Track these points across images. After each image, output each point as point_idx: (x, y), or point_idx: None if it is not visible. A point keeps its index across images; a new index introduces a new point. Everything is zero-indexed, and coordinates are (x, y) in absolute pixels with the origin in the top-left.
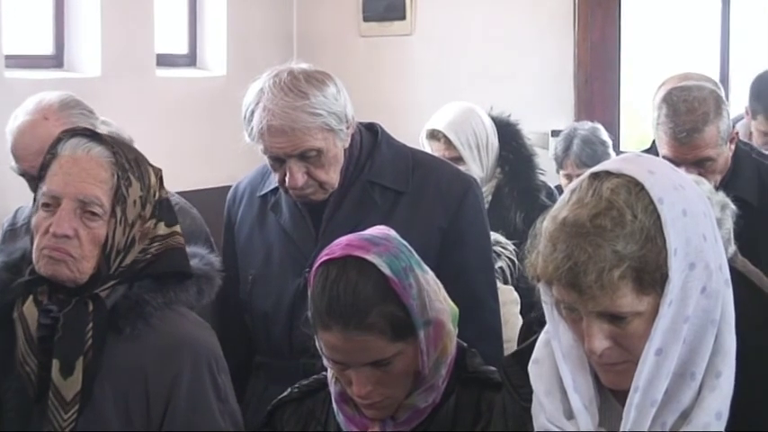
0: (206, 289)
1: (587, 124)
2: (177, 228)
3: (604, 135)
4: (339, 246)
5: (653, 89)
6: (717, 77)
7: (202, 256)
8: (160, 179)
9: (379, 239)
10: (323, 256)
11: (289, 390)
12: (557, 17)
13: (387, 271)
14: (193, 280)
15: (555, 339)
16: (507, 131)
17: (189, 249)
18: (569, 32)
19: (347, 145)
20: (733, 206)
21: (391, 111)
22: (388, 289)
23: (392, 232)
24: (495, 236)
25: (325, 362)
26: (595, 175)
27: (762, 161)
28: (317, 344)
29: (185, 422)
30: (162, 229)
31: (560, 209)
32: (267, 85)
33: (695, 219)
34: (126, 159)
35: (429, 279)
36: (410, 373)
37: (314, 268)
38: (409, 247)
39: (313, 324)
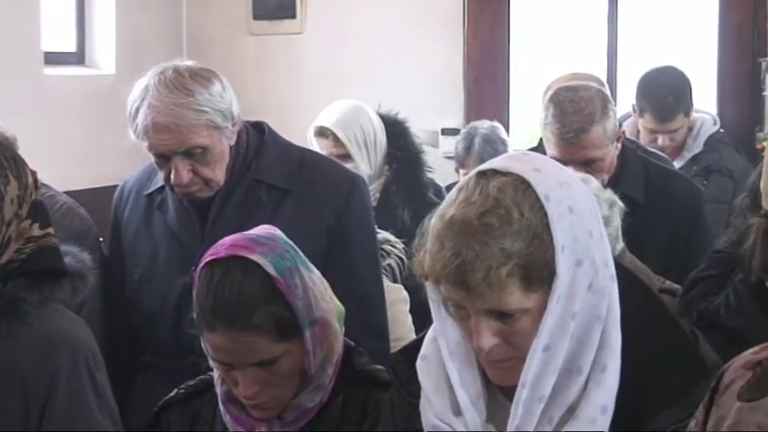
0: (80, 287)
1: (486, 123)
2: (51, 230)
3: (503, 134)
4: (224, 246)
5: (542, 88)
6: (605, 76)
7: (74, 254)
8: (35, 180)
9: (264, 239)
10: (207, 257)
11: (175, 390)
12: (447, 16)
13: (272, 271)
14: (68, 278)
15: (442, 336)
16: (395, 129)
17: (62, 248)
18: (459, 31)
19: (233, 143)
20: (621, 203)
21: (281, 109)
22: (274, 289)
23: (278, 232)
24: (384, 234)
25: (212, 363)
26: (482, 174)
27: (648, 159)
28: (202, 345)
29: (65, 419)
30: (36, 230)
31: (448, 207)
32: (152, 83)
33: (581, 216)
34: (4, 157)
35: (315, 278)
36: (297, 373)
37: (198, 268)
38: (295, 246)
39: (198, 325)
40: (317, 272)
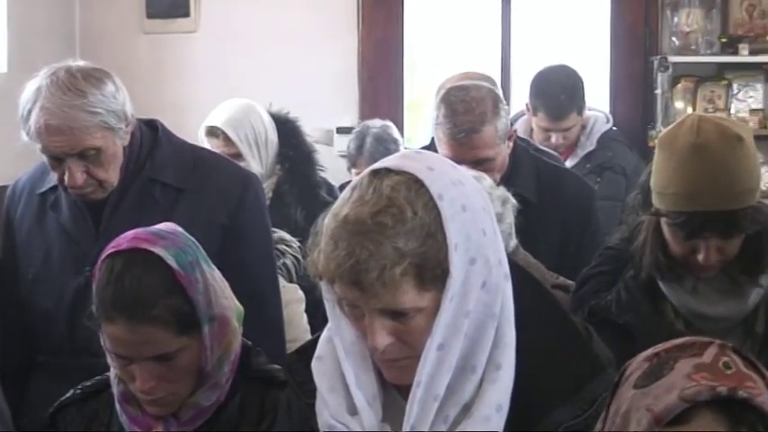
0: None
1: (378, 122)
2: None
3: (396, 133)
4: (126, 239)
5: (436, 88)
6: (498, 75)
7: None
8: None
9: (166, 233)
10: (109, 249)
11: (71, 391)
12: (341, 15)
13: (173, 264)
14: None
15: (337, 336)
16: (287, 128)
17: None
18: (354, 30)
19: (126, 143)
20: (514, 201)
21: (175, 108)
22: (175, 282)
23: (180, 228)
24: (279, 233)
25: (109, 360)
26: (376, 173)
27: (540, 157)
28: (101, 339)
29: None
30: None
31: (342, 206)
32: (44, 84)
33: (474, 214)
34: None
35: (215, 276)
36: (194, 370)
37: (100, 261)
38: (196, 242)
39: (97, 317)
40: (217, 270)
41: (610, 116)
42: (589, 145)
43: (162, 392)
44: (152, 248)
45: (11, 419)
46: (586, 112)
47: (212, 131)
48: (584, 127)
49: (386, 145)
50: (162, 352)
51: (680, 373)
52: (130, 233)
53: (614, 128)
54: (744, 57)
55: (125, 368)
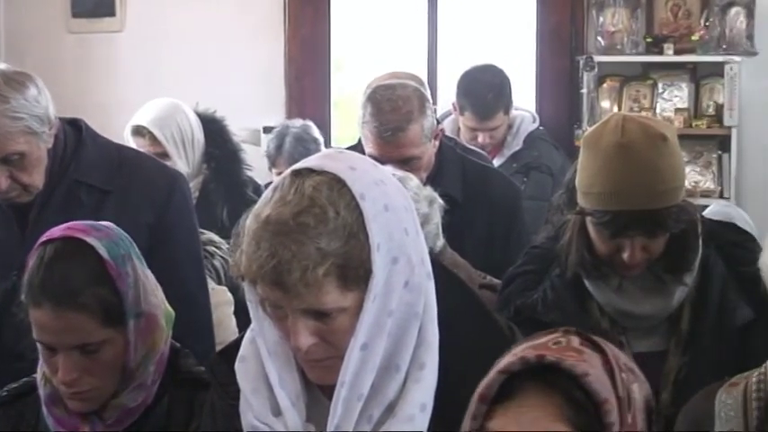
0: None
1: (299, 122)
2: None
3: (316, 132)
4: (60, 229)
5: (364, 87)
6: (425, 74)
7: None
8: None
9: (101, 226)
10: (43, 238)
11: None
12: (268, 14)
13: (104, 254)
14: None
15: (260, 337)
16: (213, 128)
17: None
18: (280, 29)
19: (50, 146)
20: (440, 201)
21: (101, 108)
22: (104, 273)
23: (113, 225)
24: (208, 235)
25: (41, 361)
26: (297, 173)
27: (466, 157)
28: (28, 341)
29: None
30: None
31: (263, 207)
32: None
33: (397, 213)
34: None
35: (147, 274)
36: (117, 366)
37: (33, 249)
38: (131, 239)
39: (26, 303)
40: (149, 270)
41: (536, 115)
42: (516, 144)
43: (84, 386)
44: (85, 238)
45: None
46: (513, 112)
47: (138, 131)
48: (510, 126)
49: (306, 145)
50: (86, 341)
51: (509, 353)
52: (65, 224)
53: (541, 127)
54: (669, 56)
55: (50, 360)
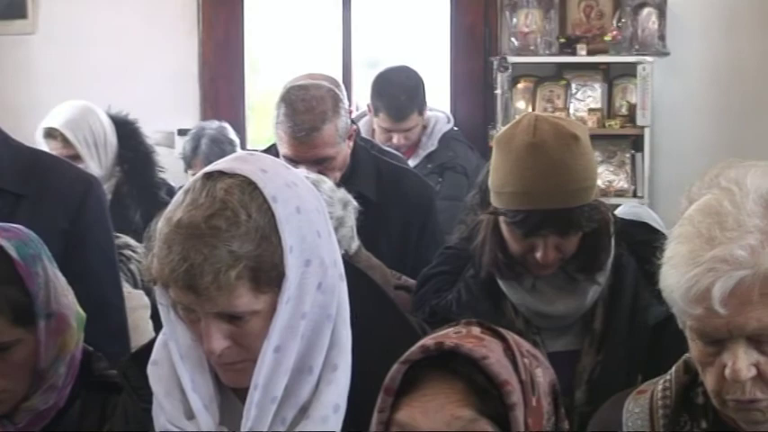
0: None
1: (215, 123)
2: None
3: (232, 134)
4: None
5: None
6: (340, 76)
7: None
8: None
9: (10, 227)
10: None
11: None
12: (181, 17)
13: (13, 254)
14: None
15: (172, 341)
16: (126, 130)
17: None
18: (194, 32)
19: None
20: (355, 203)
21: (12, 111)
22: (13, 272)
23: (25, 228)
24: (124, 239)
25: None
26: (209, 176)
27: (380, 157)
28: None
29: None
30: None
31: (175, 210)
32: None
33: (309, 216)
34: None
35: (58, 275)
36: (28, 367)
37: None
38: (41, 241)
39: None
40: (59, 271)
41: (451, 116)
42: (430, 145)
43: None
44: None
45: None
46: (427, 113)
47: (50, 133)
48: (425, 127)
49: (221, 146)
50: None
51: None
52: None
53: (455, 128)
54: (582, 57)
55: None
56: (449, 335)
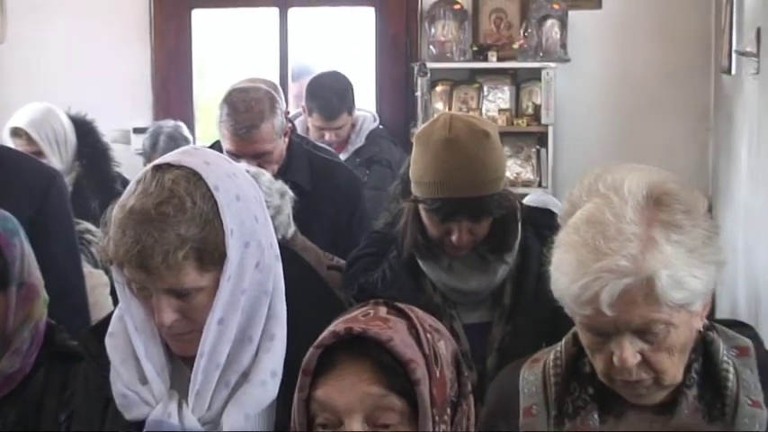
0: None
1: (171, 122)
2: None
3: (186, 132)
4: None
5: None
6: (277, 80)
7: None
8: None
9: None
10: None
11: None
12: (134, 27)
13: None
14: None
15: (127, 314)
16: (84, 129)
17: None
18: (146, 39)
19: None
20: (291, 193)
21: None
22: None
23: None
24: (85, 225)
25: None
26: (158, 167)
27: (312, 151)
28: None
29: None
30: None
31: (128, 198)
32: None
33: (247, 203)
34: None
35: (31, 253)
36: None
37: None
38: (18, 223)
39: None
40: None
41: (377, 116)
42: (359, 141)
43: None
44: None
45: None
46: (356, 113)
47: (16, 132)
48: (354, 126)
49: (178, 143)
50: None
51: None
52: None
53: (381, 126)
54: (492, 63)
55: None
56: (358, 318)
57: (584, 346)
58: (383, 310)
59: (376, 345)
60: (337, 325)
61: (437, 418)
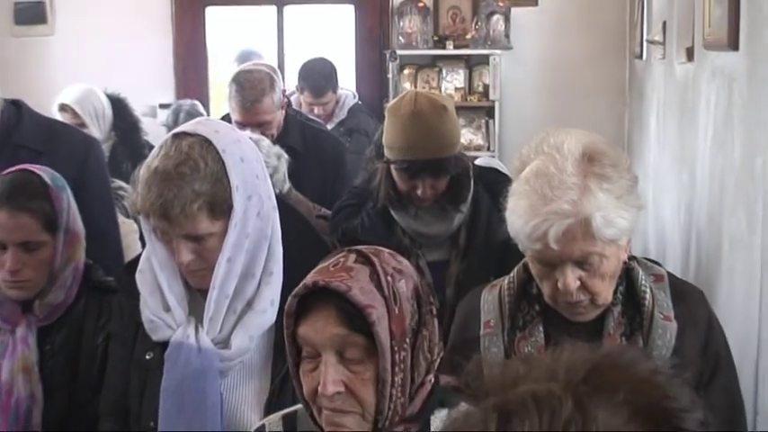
0: None
1: (188, 101)
2: None
3: (201, 109)
4: (18, 167)
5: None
6: (276, 64)
7: None
8: None
9: (48, 169)
10: (5, 172)
11: None
12: (159, 21)
13: (48, 181)
14: None
15: (153, 255)
16: (118, 105)
17: None
18: (169, 32)
19: None
20: (286, 156)
21: (36, 93)
22: (47, 193)
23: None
24: (118, 183)
25: None
26: (177, 135)
27: (305, 122)
28: None
29: None
30: None
31: (152, 160)
32: None
33: (250, 164)
34: None
35: (76, 207)
36: (47, 266)
37: None
38: (65, 181)
39: None
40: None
41: (356, 93)
42: (342, 114)
43: (24, 277)
44: (36, 170)
45: None
46: (339, 91)
47: (63, 107)
48: (338, 102)
49: (194, 118)
50: (29, 239)
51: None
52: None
53: (359, 102)
54: (450, 50)
55: (1, 258)
56: (328, 268)
57: (533, 274)
58: (352, 258)
59: (337, 295)
60: (308, 278)
61: (396, 347)
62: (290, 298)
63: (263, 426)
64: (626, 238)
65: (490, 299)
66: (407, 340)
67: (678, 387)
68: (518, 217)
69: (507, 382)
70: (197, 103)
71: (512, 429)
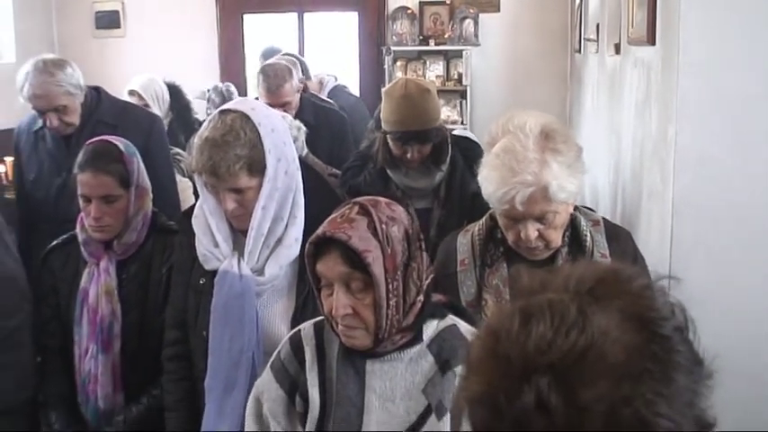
0: None
1: (225, 84)
2: None
3: (234, 89)
4: (100, 138)
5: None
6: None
7: None
8: None
9: (122, 139)
10: (88, 143)
11: (55, 242)
12: (206, 25)
13: (122, 148)
14: None
15: (205, 204)
16: (174, 90)
17: None
18: (214, 34)
19: (81, 101)
20: (304, 127)
21: (112, 82)
22: (121, 158)
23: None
24: (176, 150)
25: (79, 219)
26: (222, 111)
27: (317, 103)
28: (78, 189)
29: None
30: None
31: (203, 131)
32: (31, 69)
33: (279, 133)
34: None
35: (144, 168)
36: (123, 214)
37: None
38: (135, 148)
39: (76, 173)
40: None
41: (337, 77)
42: (324, 95)
43: (105, 222)
44: (112, 140)
45: (22, 266)
46: (324, 77)
47: (132, 92)
48: (321, 83)
49: (231, 97)
50: (109, 194)
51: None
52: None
53: (340, 84)
54: (432, 47)
55: (86, 209)
56: (336, 219)
57: (500, 225)
58: (355, 210)
59: (341, 242)
60: (322, 228)
61: (389, 279)
62: (307, 244)
63: (299, 330)
64: (574, 198)
65: (464, 242)
66: (399, 273)
67: (661, 300)
68: (490, 184)
69: (533, 288)
70: (231, 85)
71: (530, 328)
